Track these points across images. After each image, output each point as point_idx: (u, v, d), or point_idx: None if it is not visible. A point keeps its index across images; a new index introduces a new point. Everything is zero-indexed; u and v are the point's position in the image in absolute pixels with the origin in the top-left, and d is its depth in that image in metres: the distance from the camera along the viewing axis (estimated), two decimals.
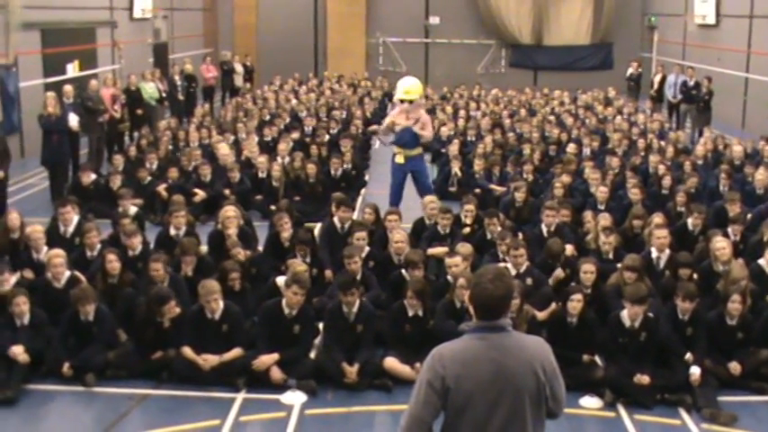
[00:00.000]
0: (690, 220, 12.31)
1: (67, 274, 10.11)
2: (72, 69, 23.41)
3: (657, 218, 11.78)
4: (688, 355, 8.88)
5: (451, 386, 4.31)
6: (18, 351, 8.84)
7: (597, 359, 9.19)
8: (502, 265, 10.47)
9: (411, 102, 14.57)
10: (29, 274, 10.76)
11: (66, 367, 8.98)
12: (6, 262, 10.65)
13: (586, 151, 18.22)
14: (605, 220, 12.00)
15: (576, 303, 9.05)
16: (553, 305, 9.52)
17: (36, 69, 21.58)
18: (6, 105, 20.02)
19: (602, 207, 13.47)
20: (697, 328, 9.09)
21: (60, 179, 16.74)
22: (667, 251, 10.85)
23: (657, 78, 26.98)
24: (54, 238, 11.61)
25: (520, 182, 14.58)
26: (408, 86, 14.68)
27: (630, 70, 30.05)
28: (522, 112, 24.43)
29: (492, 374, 4.31)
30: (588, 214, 12.71)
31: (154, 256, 10.21)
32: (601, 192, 13.79)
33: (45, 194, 16.98)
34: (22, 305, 9.16)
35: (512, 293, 4.48)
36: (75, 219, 12.16)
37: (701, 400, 8.52)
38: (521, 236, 11.66)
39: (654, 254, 10.86)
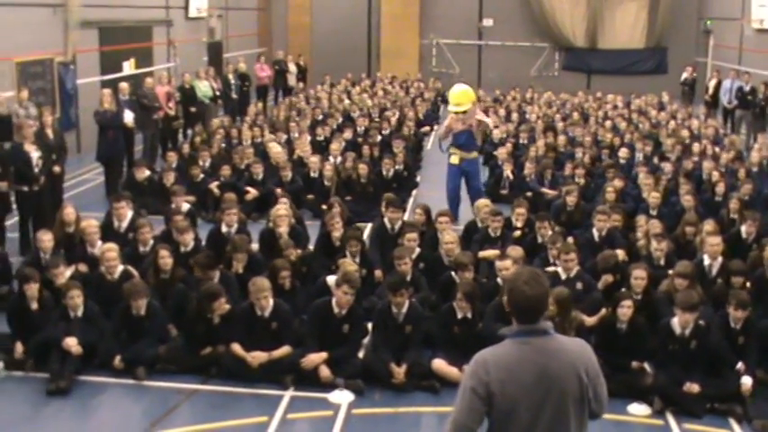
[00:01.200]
0: (743, 228, 12.14)
1: (120, 268, 10.26)
2: (128, 67, 23.70)
3: (709, 225, 11.63)
4: (739, 365, 8.77)
5: (496, 392, 4.29)
6: (72, 343, 8.99)
7: (646, 366, 9.10)
8: (551, 269, 10.47)
9: (464, 113, 15.09)
10: (83, 267, 10.92)
11: (117, 360, 9.10)
12: (62, 255, 10.81)
13: (639, 156, 18.05)
14: (656, 226, 11.88)
15: (626, 309, 8.98)
16: (603, 311, 9.44)
17: (93, 67, 21.89)
18: (64, 102, 20.33)
19: (654, 212, 13.35)
20: (749, 337, 8.96)
21: (115, 175, 16.96)
22: (720, 258, 10.71)
23: (713, 83, 26.69)
24: (108, 232, 11.76)
25: (571, 185, 14.49)
26: (458, 98, 15.25)
27: (685, 75, 29.77)
28: (575, 115, 24.29)
29: (536, 378, 4.30)
30: (641, 219, 12.59)
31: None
32: (653, 197, 13.66)
33: (100, 190, 17.20)
34: (77, 298, 9.29)
35: (547, 294, 4.46)
36: (129, 214, 12.31)
37: (752, 411, 8.41)
38: (571, 240, 11.59)
39: (706, 261, 10.73)
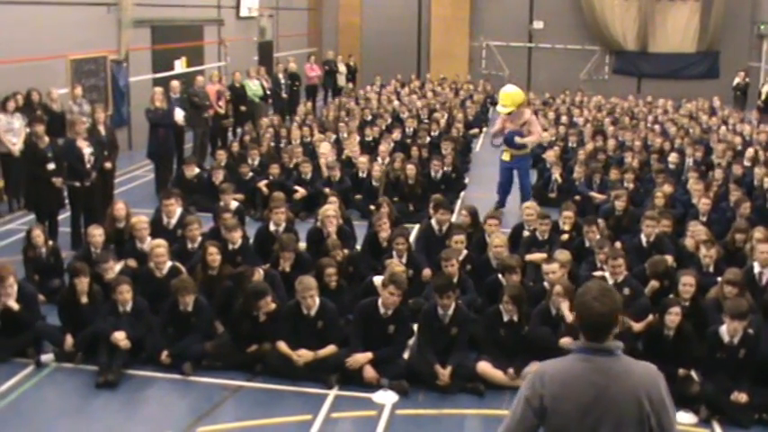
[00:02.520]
0: None
1: (169, 264, 10.37)
2: (179, 65, 23.93)
3: (760, 232, 11.46)
4: None
5: (548, 406, 4.15)
6: (120, 337, 9.10)
7: (694, 374, 9.00)
8: (599, 273, 10.41)
9: (510, 113, 15.61)
10: (132, 262, 11.06)
11: (164, 355, 9.19)
12: (111, 250, 10.96)
13: (689, 161, 17.87)
14: (703, 232, 11.76)
15: (673, 316, 8.88)
16: (650, 317, 9.37)
17: (145, 65, 22.14)
18: (116, 99, 20.57)
19: (704, 218, 13.21)
20: None
21: (165, 172, 17.13)
22: None
23: (765, 88, 26.36)
24: (157, 228, 11.89)
25: (620, 190, 14.38)
26: (506, 99, 15.86)
27: (737, 80, 29.43)
28: (625, 119, 24.12)
29: (592, 399, 4.11)
30: (691, 225, 12.46)
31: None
32: (703, 203, 13.51)
33: (150, 186, 17.38)
34: (126, 293, 9.40)
35: (617, 311, 4.23)
36: (179, 211, 12.43)
37: None
38: (619, 245, 11.51)
39: (756, 269, 10.59)
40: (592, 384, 4.13)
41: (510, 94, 15.80)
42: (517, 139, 15.54)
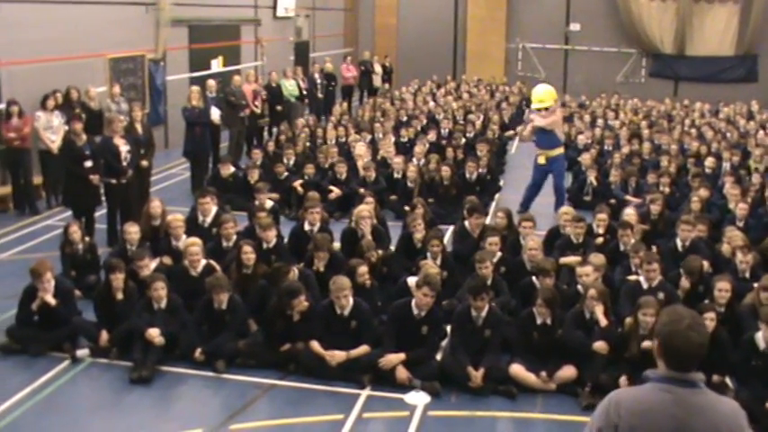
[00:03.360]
0: None
1: (204, 262, 10.43)
2: (216, 65, 24.04)
3: None
4: None
5: None
6: (154, 333, 9.17)
7: (728, 381, 8.94)
8: (633, 277, 10.35)
9: (546, 109, 15.64)
10: (167, 260, 11.14)
11: (198, 352, 9.25)
12: (147, 248, 11.02)
13: (726, 166, 17.73)
14: (738, 238, 11.67)
15: (708, 322, 8.79)
16: None
17: (182, 64, 22.28)
18: (153, 98, 20.71)
19: (741, 224, 13.10)
20: None
21: (201, 170, 17.24)
22: None
23: None
24: (192, 226, 11.96)
25: (656, 194, 14.30)
26: (540, 95, 15.87)
27: None
28: (662, 123, 23.96)
29: None
30: (727, 230, 12.35)
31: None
32: (740, 208, 13.40)
33: (186, 184, 17.50)
34: (160, 290, 9.47)
35: (706, 343, 3.91)
36: (214, 209, 12.49)
37: None
38: (654, 249, 11.43)
39: None
40: (672, 417, 3.83)
41: (548, 91, 15.85)
42: (536, 120, 15.63)
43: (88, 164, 12.95)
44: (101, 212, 13.64)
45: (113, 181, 13.25)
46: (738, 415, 3.96)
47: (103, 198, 13.54)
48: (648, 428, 3.84)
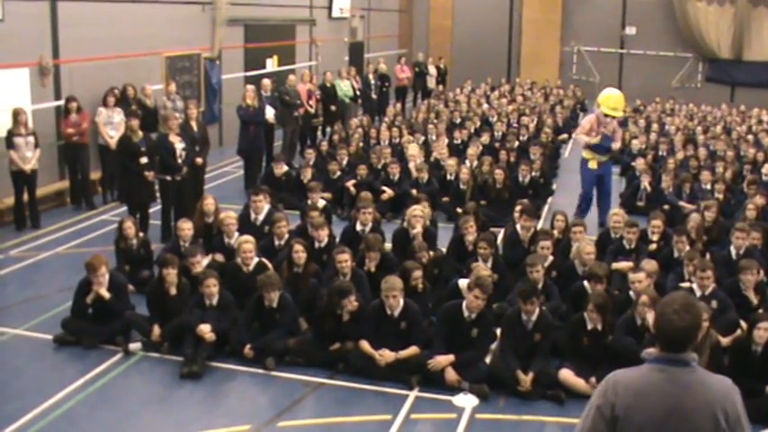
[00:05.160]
0: None
1: (256, 260, 10.49)
2: (271, 64, 24.21)
3: None
4: None
5: (620, 416, 4.02)
6: (205, 329, 9.24)
7: None
8: (686, 284, 10.22)
9: (615, 117, 15.11)
10: (220, 257, 11.23)
11: (248, 349, 9.31)
12: (200, 245, 11.13)
13: None
14: None
15: (762, 332, 8.65)
16: (738, 331, 9.18)
17: (238, 63, 22.46)
18: (209, 96, 20.89)
19: None
20: None
21: (254, 169, 17.35)
22: None
23: None
24: (245, 224, 12.04)
25: (710, 200, 14.12)
26: (617, 103, 15.15)
27: None
28: (717, 128, 23.69)
29: (666, 411, 3.98)
30: None
31: (340, 248, 10.42)
32: None
33: (239, 182, 17.63)
34: (212, 287, 9.54)
35: (698, 325, 4.13)
36: (266, 208, 12.55)
37: None
38: (708, 257, 11.29)
39: None
40: (667, 395, 4.02)
41: (621, 101, 15.32)
42: (614, 146, 15.27)
43: (143, 160, 13.10)
44: (155, 209, 13.79)
45: (168, 178, 13.39)
46: (731, 391, 4.08)
47: (158, 194, 13.68)
48: (644, 407, 4.02)
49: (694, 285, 10.01)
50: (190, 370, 8.97)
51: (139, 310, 10.06)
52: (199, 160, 14.39)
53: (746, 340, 8.82)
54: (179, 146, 13.48)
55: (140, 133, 13.31)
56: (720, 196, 15.37)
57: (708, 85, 35.18)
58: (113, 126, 15.47)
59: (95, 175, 16.01)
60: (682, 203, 15.76)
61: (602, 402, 4.10)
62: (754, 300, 10.09)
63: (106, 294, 9.66)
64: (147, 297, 10.04)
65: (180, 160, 13.47)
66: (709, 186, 15.95)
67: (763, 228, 12.63)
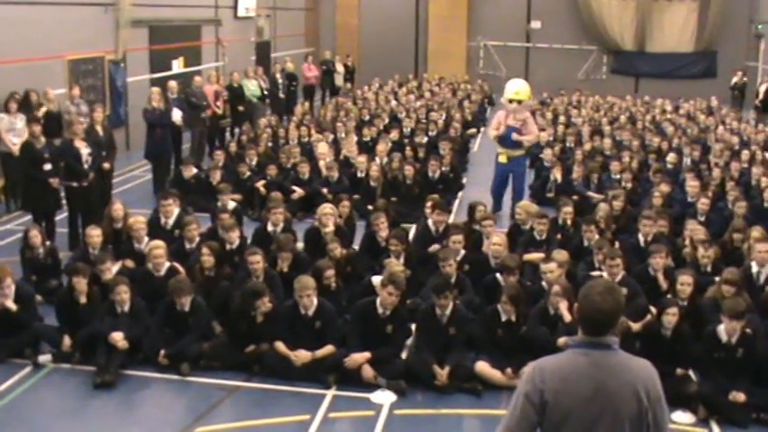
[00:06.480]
0: None
1: (167, 264, 10.36)
2: (177, 66, 23.92)
3: (757, 231, 11.46)
4: None
5: (549, 401, 4.10)
6: (118, 337, 9.09)
7: (691, 374, 9.02)
8: (597, 273, 10.40)
9: (519, 102, 15.37)
10: (130, 263, 11.07)
11: (162, 355, 9.19)
12: (109, 251, 10.95)
13: (687, 161, 17.90)
14: (700, 232, 11.77)
15: (671, 317, 8.87)
16: (648, 317, 9.37)
17: (143, 65, 22.12)
18: (114, 99, 20.57)
19: (703, 218, 13.21)
20: None
21: (163, 172, 17.15)
22: None
23: (763, 88, 26.38)
24: (155, 229, 11.89)
25: (618, 190, 14.39)
26: (518, 88, 15.61)
27: (735, 79, 29.51)
28: (623, 119, 24.15)
29: (591, 393, 4.09)
30: (690, 225, 12.44)
31: (251, 249, 10.36)
32: (702, 203, 13.51)
33: (148, 186, 17.39)
34: (123, 293, 9.39)
35: (620, 309, 4.22)
36: (176, 211, 12.43)
37: None
38: (617, 245, 11.50)
39: (754, 268, 10.59)
40: (591, 378, 4.12)
41: (523, 86, 15.68)
42: (514, 136, 15.38)
43: (47, 167, 12.83)
44: (62, 216, 13.51)
45: (74, 184, 13.13)
46: (651, 372, 4.24)
47: (64, 201, 13.42)
48: (570, 390, 4.11)
49: (604, 273, 10.18)
50: (103, 379, 8.82)
51: (48, 320, 9.85)
52: (105, 165, 14.15)
53: (656, 325, 9.02)
54: (85, 151, 13.23)
55: (43, 139, 13.04)
56: (628, 185, 15.68)
57: (612, 77, 35.93)
58: (16, 132, 15.07)
59: None
60: (590, 193, 16.03)
61: (531, 389, 4.16)
62: (664, 284, 10.32)
63: (12, 306, 9.43)
64: (56, 307, 9.84)
65: (86, 166, 13.22)
66: (618, 176, 16.25)
67: (669, 215, 12.93)
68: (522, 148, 15.83)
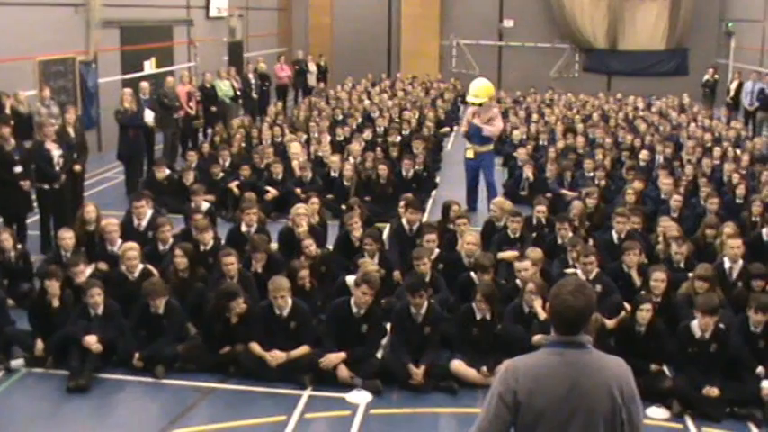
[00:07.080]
0: (765, 231, 12.09)
1: (141, 267, 10.31)
2: (149, 66, 23.81)
3: (730, 227, 11.56)
4: (759, 369, 8.70)
5: (523, 401, 4.11)
6: (91, 341, 9.03)
7: (665, 369, 9.07)
8: (571, 270, 10.44)
9: (480, 105, 15.63)
10: (103, 265, 11.01)
11: (136, 358, 9.14)
12: (82, 253, 10.87)
13: (659, 158, 18.00)
14: (673, 229, 11.84)
15: (645, 313, 8.92)
16: (622, 313, 9.41)
17: (114, 66, 22.01)
18: (86, 101, 20.44)
19: (676, 215, 13.29)
20: None
21: (135, 173, 17.07)
22: (740, 261, 10.66)
23: (734, 85, 26.58)
24: (128, 231, 11.82)
25: (591, 188, 14.46)
26: (476, 90, 15.89)
27: (706, 77, 29.66)
28: (595, 117, 24.26)
29: (565, 392, 4.09)
30: (663, 221, 12.51)
31: (225, 250, 10.32)
32: (675, 200, 13.58)
33: (120, 188, 17.30)
34: (97, 296, 9.32)
35: (592, 306, 4.21)
36: (149, 213, 12.36)
37: None
38: (591, 242, 11.55)
39: (726, 264, 10.68)
40: (565, 377, 4.12)
41: (485, 86, 15.91)
42: (475, 121, 15.65)
43: (18, 169, 12.70)
44: (33, 219, 13.41)
45: (46, 186, 13.04)
46: (625, 370, 4.25)
47: (35, 204, 13.31)
48: (544, 390, 4.11)
49: (578, 271, 10.23)
50: (77, 383, 8.74)
51: (20, 324, 9.75)
52: (77, 167, 14.08)
53: (630, 321, 9.06)
54: (56, 153, 13.13)
55: (13, 141, 12.92)
56: (602, 183, 15.75)
57: (585, 75, 36.06)
58: None
59: None
60: (564, 191, 16.09)
61: (504, 389, 4.16)
62: (637, 281, 10.37)
63: None
64: (28, 311, 9.77)
65: (57, 168, 13.12)
66: (591, 174, 16.32)
67: (642, 212, 13.00)
68: (490, 144, 15.95)
